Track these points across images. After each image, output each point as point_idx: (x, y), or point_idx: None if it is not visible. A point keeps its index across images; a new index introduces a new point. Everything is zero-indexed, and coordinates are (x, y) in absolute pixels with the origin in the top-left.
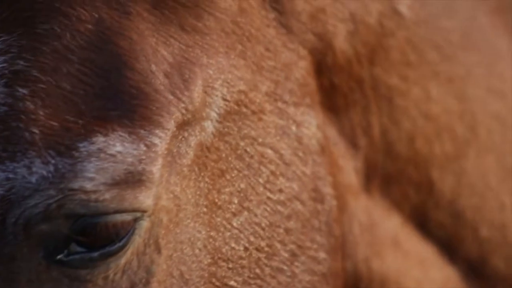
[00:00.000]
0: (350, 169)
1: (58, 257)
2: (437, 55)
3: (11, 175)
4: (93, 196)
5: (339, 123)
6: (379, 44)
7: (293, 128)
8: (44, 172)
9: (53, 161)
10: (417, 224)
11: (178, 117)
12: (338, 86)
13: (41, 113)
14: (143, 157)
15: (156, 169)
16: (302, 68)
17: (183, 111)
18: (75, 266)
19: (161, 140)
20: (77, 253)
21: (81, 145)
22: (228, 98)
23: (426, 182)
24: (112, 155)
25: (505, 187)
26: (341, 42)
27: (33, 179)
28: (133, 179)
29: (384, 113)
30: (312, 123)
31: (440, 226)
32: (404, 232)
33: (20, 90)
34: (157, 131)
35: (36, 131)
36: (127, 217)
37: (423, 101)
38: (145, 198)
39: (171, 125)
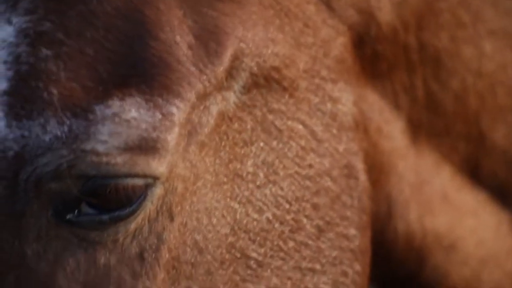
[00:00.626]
0: (395, 133)
1: (68, 216)
2: (494, 12)
3: (26, 133)
4: (104, 159)
5: (382, 88)
6: (429, 9)
7: (328, 105)
8: (58, 132)
9: (68, 122)
10: (468, 173)
11: (200, 89)
12: (381, 53)
13: (62, 75)
14: (158, 125)
15: (171, 137)
16: (341, 44)
17: (206, 83)
18: (84, 227)
19: (178, 110)
20: (87, 215)
21: (97, 108)
22: (257, 73)
23: (477, 134)
24: (127, 120)
25: None
26: (386, 14)
27: (47, 138)
28: (147, 146)
29: (430, 74)
30: (348, 99)
31: (492, 174)
32: (454, 184)
33: (44, 51)
34: (175, 101)
35: (55, 92)
36: (138, 182)
37: (475, 60)
38: (158, 166)
39: (191, 95)
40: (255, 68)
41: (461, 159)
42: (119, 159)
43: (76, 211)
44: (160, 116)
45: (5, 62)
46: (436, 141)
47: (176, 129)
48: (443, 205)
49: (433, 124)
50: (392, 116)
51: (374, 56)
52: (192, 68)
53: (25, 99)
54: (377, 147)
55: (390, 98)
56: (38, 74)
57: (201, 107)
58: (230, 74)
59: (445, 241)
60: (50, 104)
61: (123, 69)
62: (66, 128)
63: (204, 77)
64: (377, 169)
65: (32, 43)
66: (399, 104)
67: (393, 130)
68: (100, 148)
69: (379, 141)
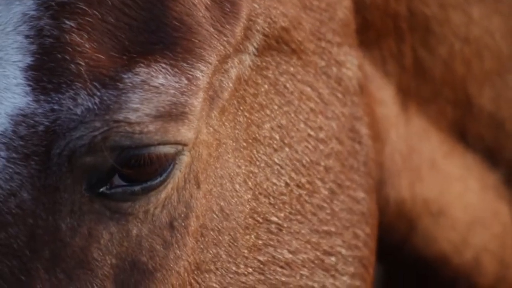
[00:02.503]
0: (387, 99)
1: (101, 189)
2: None
3: (56, 107)
4: (137, 128)
5: (370, 56)
6: None
7: (334, 69)
8: (90, 104)
9: (98, 93)
10: (456, 137)
11: (220, 51)
12: (371, 22)
13: (87, 45)
14: (185, 89)
15: (197, 102)
16: (346, 7)
17: (225, 44)
18: (117, 199)
19: (202, 74)
20: (119, 187)
21: (125, 76)
22: (269, 33)
23: (464, 99)
24: (155, 87)
25: None
26: None
27: (79, 110)
28: (176, 112)
29: (418, 41)
30: (353, 63)
31: (480, 137)
32: (442, 150)
33: (67, 22)
34: (199, 65)
35: (82, 63)
36: (170, 149)
37: (463, 26)
38: (187, 131)
39: (213, 58)
40: (267, 29)
41: (449, 124)
42: (151, 127)
43: (108, 184)
44: (186, 81)
45: (27, 37)
46: (424, 107)
47: (201, 94)
48: (432, 172)
49: (421, 90)
50: (383, 83)
51: (364, 25)
52: (212, 30)
53: (51, 72)
54: (373, 114)
55: (379, 65)
56: (63, 46)
57: (222, 71)
58: (246, 35)
59: (433, 207)
60: (79, 76)
61: (145, 35)
62: (97, 100)
63: (223, 38)
64: (375, 136)
65: (54, 15)
66: (388, 71)
67: (384, 97)
68: (132, 116)
69: (374, 107)
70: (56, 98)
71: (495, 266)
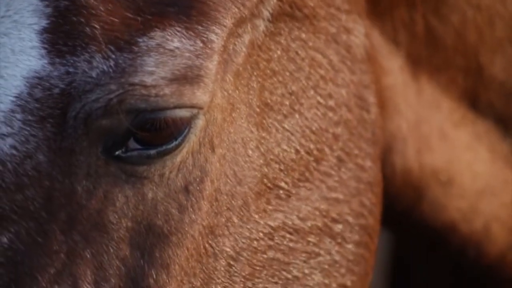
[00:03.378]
0: (396, 69)
1: (117, 152)
2: None
3: (71, 69)
4: (153, 91)
5: (382, 26)
6: None
7: (343, 36)
8: (105, 67)
9: (113, 56)
10: (467, 105)
11: (235, 13)
12: None
13: (101, 8)
14: (200, 52)
15: (212, 65)
16: None
17: (240, 7)
18: (132, 162)
19: (217, 37)
20: (135, 150)
21: (140, 40)
22: None
23: (475, 67)
24: (171, 50)
25: None
26: None
27: (94, 73)
28: (192, 74)
29: (430, 9)
30: (361, 31)
31: (491, 105)
32: (453, 119)
33: None
34: (213, 27)
35: (97, 26)
36: (185, 113)
37: None
38: (202, 94)
39: (227, 21)
40: None
41: (460, 92)
42: (167, 90)
43: (124, 147)
44: (201, 44)
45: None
46: (435, 76)
47: (216, 57)
48: (441, 141)
49: (433, 59)
50: (391, 53)
51: None
52: None
53: (67, 35)
54: (380, 83)
55: (389, 34)
56: (78, 9)
57: (236, 34)
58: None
59: (442, 176)
60: (94, 39)
61: None
62: (112, 62)
63: (238, 0)
64: (381, 105)
65: None
66: (398, 40)
67: (392, 66)
68: (148, 79)
69: (381, 76)
70: (71, 61)
71: (505, 234)
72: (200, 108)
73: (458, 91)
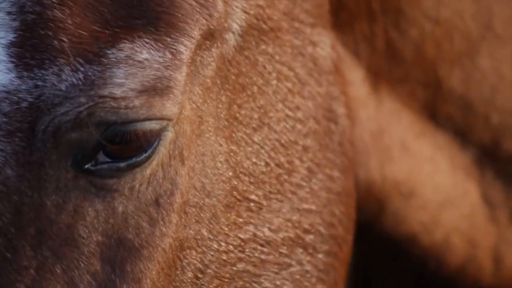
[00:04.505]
0: (358, 81)
1: (86, 166)
2: None
3: (39, 83)
4: (123, 103)
5: (343, 38)
6: None
7: (309, 48)
8: (74, 80)
9: (82, 69)
10: (427, 117)
11: (203, 25)
12: (344, 3)
13: (69, 21)
14: (169, 64)
15: (181, 76)
16: None
17: (208, 18)
18: (102, 176)
19: (186, 48)
20: (104, 163)
21: (109, 52)
22: (248, 10)
23: (434, 80)
24: (140, 62)
25: None
26: None
27: (63, 86)
28: (161, 86)
29: (390, 23)
30: (326, 44)
31: (450, 118)
32: (413, 131)
33: None
34: (182, 39)
35: (65, 39)
36: (155, 125)
37: (433, 7)
38: (172, 106)
39: (195, 33)
40: (245, 5)
41: (420, 104)
42: (137, 102)
43: (93, 160)
44: (170, 56)
45: (9, 13)
46: (395, 89)
47: (185, 68)
48: (402, 152)
49: (393, 72)
50: (353, 65)
51: (337, 6)
52: (194, 3)
53: (34, 48)
54: (346, 94)
55: (350, 47)
56: (46, 22)
57: (203, 47)
58: (226, 11)
59: (403, 187)
60: (62, 52)
61: (128, 9)
62: (81, 75)
63: (205, 11)
64: (349, 116)
65: None
66: (359, 53)
67: (354, 78)
68: (117, 91)
69: (346, 88)
70: (40, 74)
71: (465, 246)
72: (170, 119)
73: (418, 103)
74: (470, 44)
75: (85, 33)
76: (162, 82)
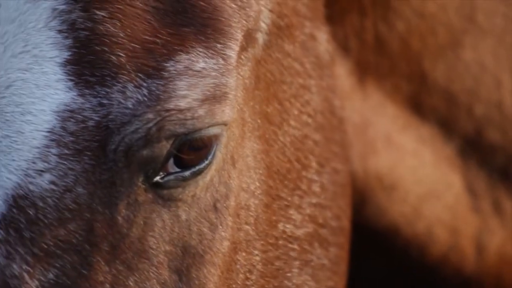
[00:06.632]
0: (344, 74)
1: (155, 179)
2: None
3: (105, 101)
4: (188, 114)
5: (334, 32)
6: None
7: (311, 43)
8: (139, 96)
9: (145, 84)
10: (412, 110)
11: (243, 26)
12: None
13: (121, 34)
14: (224, 70)
15: (233, 80)
16: None
17: (246, 18)
18: (169, 187)
19: (233, 52)
20: (171, 174)
21: (167, 64)
22: (272, 9)
23: (418, 73)
24: (198, 71)
25: (504, 65)
26: None
27: (129, 104)
28: (220, 93)
29: (379, 17)
30: (323, 37)
31: (434, 110)
32: (398, 124)
33: (98, 12)
34: (229, 43)
35: (122, 54)
36: (217, 130)
37: (418, 1)
38: (230, 111)
39: (238, 35)
40: (269, 3)
41: (405, 97)
42: (201, 111)
43: (161, 173)
44: (222, 62)
45: (60, 31)
46: (381, 82)
47: (234, 72)
48: (386, 146)
49: (379, 65)
50: (340, 59)
51: (329, 1)
52: (233, 5)
53: (92, 65)
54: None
55: (339, 40)
56: (99, 38)
57: (243, 48)
58: (259, 10)
59: (386, 180)
60: (122, 67)
61: (173, 16)
62: (145, 91)
63: (244, 12)
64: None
65: (85, 7)
66: (348, 47)
67: (340, 72)
68: (182, 103)
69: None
70: (103, 92)
71: (447, 236)
72: (226, 124)
73: (402, 96)
74: (454, 37)
75: (138, 46)
76: (220, 89)
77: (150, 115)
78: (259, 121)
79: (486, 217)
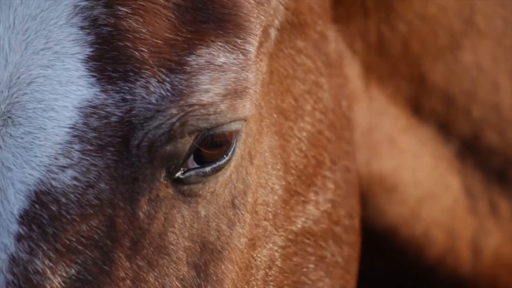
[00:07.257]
0: (354, 76)
1: (177, 175)
2: None
3: (128, 96)
4: (211, 109)
5: (342, 33)
6: None
7: (322, 41)
8: (162, 91)
9: (168, 79)
10: (411, 112)
11: (262, 21)
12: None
13: (144, 30)
14: (244, 65)
15: (252, 75)
16: None
17: (264, 14)
18: (190, 182)
19: (253, 47)
20: (192, 169)
21: (189, 59)
22: (287, 6)
23: (418, 75)
24: (220, 66)
25: (502, 67)
26: None
27: (153, 99)
28: (241, 88)
29: (382, 19)
30: (332, 36)
31: (433, 112)
32: (399, 125)
33: (121, 8)
34: (249, 38)
35: (145, 49)
36: (238, 126)
37: (421, 4)
38: (250, 106)
39: (258, 30)
40: (286, 1)
41: (405, 99)
42: (223, 106)
43: (182, 168)
44: (242, 56)
45: (82, 28)
46: (383, 84)
47: (254, 67)
48: (389, 148)
49: (382, 67)
50: (350, 60)
51: (335, 1)
52: (252, 1)
53: (115, 61)
54: (346, 88)
55: (348, 42)
56: (123, 33)
57: (261, 43)
58: (276, 6)
59: (388, 182)
60: (145, 63)
61: (194, 13)
62: (168, 86)
63: (262, 8)
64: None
65: (107, 3)
66: (355, 48)
67: (350, 74)
68: (205, 98)
69: (345, 81)
70: (126, 88)
71: (444, 238)
72: (245, 120)
73: (403, 98)
74: (453, 40)
75: (160, 41)
76: (241, 83)
77: (174, 110)
78: (275, 116)
79: (483, 219)
